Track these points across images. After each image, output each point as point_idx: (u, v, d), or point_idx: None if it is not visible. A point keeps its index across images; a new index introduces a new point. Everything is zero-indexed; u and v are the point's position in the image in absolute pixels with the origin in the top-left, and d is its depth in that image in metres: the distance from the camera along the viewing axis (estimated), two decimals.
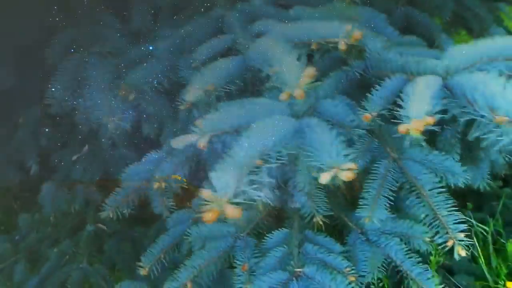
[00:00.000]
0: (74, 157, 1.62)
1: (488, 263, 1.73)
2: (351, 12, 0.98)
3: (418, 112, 0.55)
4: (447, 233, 0.82)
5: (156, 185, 1.08)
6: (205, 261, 1.06)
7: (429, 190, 0.86)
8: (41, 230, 1.59)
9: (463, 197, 2.17)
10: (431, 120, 0.54)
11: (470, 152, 1.31)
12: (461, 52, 0.69)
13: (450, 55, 0.69)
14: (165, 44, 0.99)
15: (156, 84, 0.95)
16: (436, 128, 0.57)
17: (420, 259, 0.97)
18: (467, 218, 1.85)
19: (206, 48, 0.92)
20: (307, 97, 0.81)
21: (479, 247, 1.78)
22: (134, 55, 0.99)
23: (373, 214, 0.88)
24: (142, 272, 1.21)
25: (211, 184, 0.58)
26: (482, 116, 0.56)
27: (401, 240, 1.00)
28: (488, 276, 1.65)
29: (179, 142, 0.70)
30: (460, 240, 0.81)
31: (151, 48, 0.99)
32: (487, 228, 1.79)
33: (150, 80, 0.93)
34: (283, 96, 0.66)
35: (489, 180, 2.27)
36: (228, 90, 0.82)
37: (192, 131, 0.72)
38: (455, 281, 1.63)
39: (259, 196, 0.59)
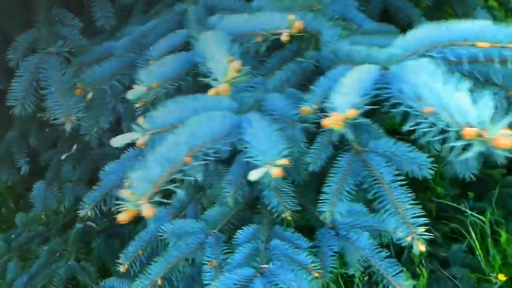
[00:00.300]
0: (63, 156, 1.64)
1: (486, 254, 1.68)
2: (313, 1, 0.95)
3: (341, 104, 0.53)
4: (407, 227, 0.79)
5: (126, 183, 1.08)
6: (176, 258, 1.06)
7: (390, 182, 0.83)
8: (33, 228, 1.61)
9: (465, 186, 2.12)
10: (353, 113, 0.52)
11: None
12: (406, 39, 0.66)
13: (396, 43, 0.66)
14: (125, 41, 0.98)
15: (115, 82, 0.94)
16: (363, 120, 0.55)
17: (388, 253, 0.95)
18: (462, 208, 1.81)
19: (162, 44, 0.91)
20: (255, 90, 0.80)
21: (477, 238, 1.73)
22: (95, 54, 0.98)
23: (334, 209, 0.86)
24: (121, 269, 1.22)
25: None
26: (412, 107, 0.53)
27: (371, 234, 0.97)
28: (484, 268, 1.61)
29: (118, 141, 0.69)
30: (420, 235, 0.78)
31: (111, 46, 0.98)
32: (483, 218, 1.74)
33: (108, 79, 0.92)
34: (211, 92, 0.64)
35: (489, 169, 2.20)
36: (178, 87, 0.81)
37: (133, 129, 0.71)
38: (447, 274, 1.60)
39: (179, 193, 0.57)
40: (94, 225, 1.58)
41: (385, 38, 0.91)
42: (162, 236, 1.14)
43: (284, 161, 0.60)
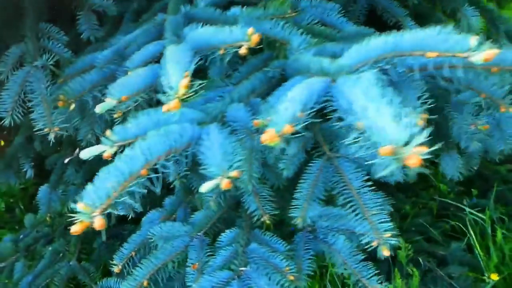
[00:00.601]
0: (66, 160, 1.71)
1: (487, 253, 1.66)
2: (285, 8, 0.96)
3: (278, 120, 0.55)
4: (374, 232, 0.80)
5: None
6: (162, 260, 1.09)
7: (358, 188, 0.84)
8: (39, 229, 1.68)
9: (469, 183, 2.09)
10: (289, 129, 0.54)
11: (444, 140, 1.27)
12: (357, 50, 0.67)
13: (347, 54, 0.67)
14: (106, 53, 1.02)
15: (97, 94, 0.98)
16: (305, 133, 0.56)
17: (364, 256, 0.96)
18: (462, 206, 1.79)
19: (138, 55, 0.94)
20: (220, 101, 0.82)
21: (478, 236, 1.71)
22: (78, 66, 1.02)
23: (306, 214, 0.88)
24: (115, 270, 1.27)
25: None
26: (349, 120, 0.55)
27: (348, 237, 0.98)
28: (484, 267, 1.59)
29: (87, 153, 0.72)
30: (386, 241, 0.79)
31: (94, 57, 1.02)
32: (483, 216, 1.72)
33: (89, 90, 0.96)
34: (163, 109, 0.67)
35: (495, 165, 2.15)
36: (151, 98, 0.84)
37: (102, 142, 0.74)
38: (445, 273, 1.59)
39: (135, 207, 0.61)
40: None
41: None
42: (151, 239, 1.18)
43: (235, 174, 0.63)
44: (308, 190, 0.88)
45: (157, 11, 1.23)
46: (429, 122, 1.25)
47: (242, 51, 0.72)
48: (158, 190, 0.66)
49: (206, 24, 0.99)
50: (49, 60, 0.98)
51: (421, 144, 0.44)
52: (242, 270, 0.96)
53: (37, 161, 1.81)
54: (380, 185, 1.99)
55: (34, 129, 0.94)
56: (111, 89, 0.79)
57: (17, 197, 2.26)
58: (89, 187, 0.61)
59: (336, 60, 0.67)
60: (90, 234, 1.62)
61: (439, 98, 1.13)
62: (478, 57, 0.61)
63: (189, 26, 0.93)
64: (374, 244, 0.79)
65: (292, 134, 0.55)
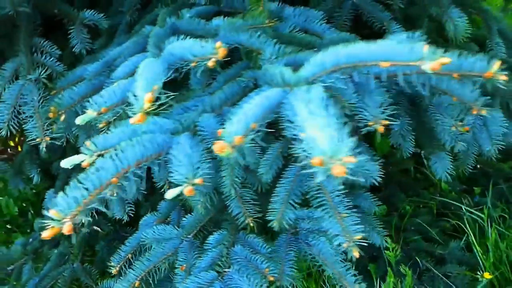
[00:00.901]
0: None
1: (486, 251, 1.66)
2: (263, 19, 0.99)
3: (231, 131, 0.58)
4: (345, 234, 0.83)
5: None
6: (153, 262, 1.14)
7: (331, 192, 0.87)
8: None
9: (472, 181, 2.08)
10: (239, 140, 0.57)
11: (430, 141, 1.28)
12: (315, 60, 0.70)
13: (306, 65, 0.70)
14: (95, 65, 1.07)
15: (86, 105, 1.03)
16: (263, 144, 0.59)
17: (342, 257, 0.98)
18: (459, 205, 1.79)
19: (123, 67, 0.98)
20: (193, 111, 0.86)
21: (478, 234, 1.71)
22: (70, 79, 1.08)
23: (282, 218, 0.91)
24: (113, 271, 1.32)
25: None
26: (296, 131, 0.58)
27: (328, 238, 1.01)
28: (482, 265, 1.59)
29: (67, 162, 0.77)
30: (356, 243, 0.82)
31: (84, 70, 1.08)
32: (482, 215, 1.72)
33: (78, 102, 1.01)
34: (130, 121, 0.71)
35: (499, 162, 2.13)
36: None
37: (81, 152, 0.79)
38: (442, 272, 1.59)
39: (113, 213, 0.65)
40: (99, 229, 1.70)
41: None
42: (144, 242, 1.23)
43: (199, 181, 0.66)
44: (284, 194, 0.91)
45: (148, 23, 1.28)
46: (413, 123, 1.27)
47: (211, 64, 0.75)
48: (130, 196, 0.70)
49: (189, 36, 1.04)
50: (41, 73, 1.03)
51: (349, 155, 0.46)
52: (225, 271, 1.00)
53: (47, 167, 1.88)
54: (378, 187, 2.00)
55: (28, 140, 1.00)
56: (91, 101, 0.83)
57: (29, 202, 2.34)
58: (61, 195, 0.65)
59: (294, 73, 0.70)
60: (93, 237, 1.68)
61: (421, 100, 1.15)
62: (428, 66, 0.63)
63: (170, 39, 0.97)
64: (345, 245, 0.82)
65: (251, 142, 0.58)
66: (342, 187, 0.87)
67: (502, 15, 1.63)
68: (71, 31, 1.13)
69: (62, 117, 1.01)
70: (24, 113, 1.05)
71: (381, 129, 0.72)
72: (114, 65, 1.09)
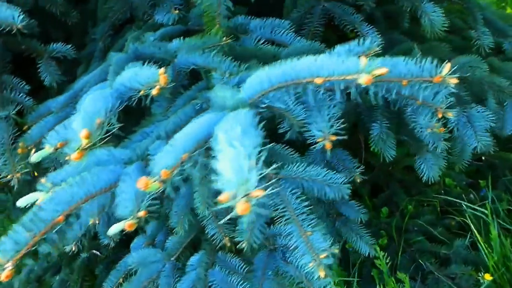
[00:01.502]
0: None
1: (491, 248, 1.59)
2: (219, 37, 0.98)
3: (157, 165, 0.57)
4: (310, 253, 0.80)
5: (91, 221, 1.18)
6: (136, 286, 1.14)
7: (295, 209, 0.84)
8: (50, 260, 1.78)
9: (478, 173, 2.01)
10: (167, 174, 0.56)
11: (416, 142, 1.24)
12: (251, 82, 0.68)
13: (245, 86, 0.69)
14: (62, 97, 1.08)
15: None
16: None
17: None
18: (457, 201, 1.73)
19: (84, 97, 0.98)
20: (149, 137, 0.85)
21: (482, 231, 1.65)
22: (39, 113, 1.09)
23: (251, 238, 0.89)
24: None
25: None
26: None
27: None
28: (490, 262, 1.53)
29: (23, 202, 0.77)
30: (323, 262, 0.79)
31: (51, 103, 1.08)
32: (486, 211, 1.65)
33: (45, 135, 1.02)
34: (70, 159, 0.70)
35: (505, 152, 2.05)
36: None
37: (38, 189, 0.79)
38: (448, 273, 1.54)
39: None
40: (98, 253, 1.71)
41: None
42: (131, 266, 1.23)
43: (142, 214, 0.65)
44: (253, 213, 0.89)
45: (119, 49, 1.28)
46: (393, 125, 1.23)
47: (154, 92, 0.74)
48: (79, 234, 0.70)
49: (150, 60, 1.03)
50: (11, 111, 1.05)
51: (258, 188, 0.45)
52: None
53: None
54: (376, 190, 1.94)
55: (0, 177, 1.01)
56: (48, 137, 0.83)
57: None
58: (3, 238, 0.65)
59: (234, 96, 0.68)
60: (92, 261, 1.70)
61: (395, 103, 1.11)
62: (362, 80, 0.61)
63: (129, 65, 0.97)
64: (311, 265, 0.79)
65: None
66: (307, 203, 0.85)
67: (487, 2, 1.57)
68: (39, 65, 1.14)
69: (33, 152, 1.02)
70: None
71: (328, 145, 0.69)
72: (80, 96, 1.09)
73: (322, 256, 0.79)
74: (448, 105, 0.84)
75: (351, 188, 1.27)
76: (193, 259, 1.10)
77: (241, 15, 1.20)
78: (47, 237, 0.68)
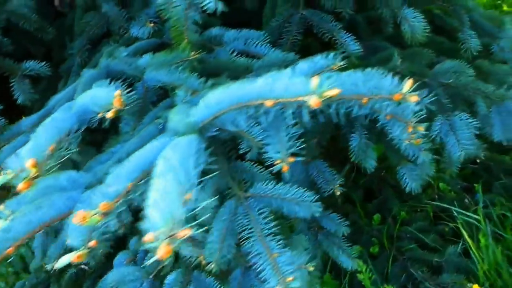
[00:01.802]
0: None
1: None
2: (187, 52, 0.96)
3: (98, 197, 0.55)
4: (277, 276, 0.78)
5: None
6: None
7: (262, 229, 0.82)
8: (39, 276, 1.77)
9: (473, 176, 1.97)
10: (106, 207, 0.54)
11: (394, 153, 1.21)
12: (204, 104, 0.66)
13: (196, 108, 0.66)
14: (33, 118, 1.06)
15: None
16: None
17: None
18: (450, 207, 1.69)
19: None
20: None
21: (476, 238, 1.62)
22: (10, 133, 1.07)
23: (219, 259, 0.87)
24: None
25: None
26: None
27: None
28: (480, 272, 1.50)
29: None
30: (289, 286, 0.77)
31: (23, 123, 1.07)
32: (478, 217, 1.62)
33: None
34: (18, 189, 0.69)
35: (499, 154, 2.01)
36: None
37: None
38: (439, 282, 1.51)
39: None
40: (86, 267, 1.70)
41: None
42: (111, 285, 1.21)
43: (92, 244, 0.64)
44: (221, 233, 0.87)
45: (95, 65, 1.26)
46: (373, 137, 1.20)
47: (109, 115, 0.73)
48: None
49: (120, 78, 1.02)
50: None
51: (185, 227, 0.42)
52: None
53: None
54: (371, 195, 1.90)
55: None
56: (8, 162, 0.82)
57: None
58: None
59: (185, 120, 0.66)
60: (79, 276, 1.69)
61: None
62: (312, 102, 0.58)
63: (98, 83, 0.95)
64: None
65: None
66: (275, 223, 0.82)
67: (474, 3, 1.53)
68: (13, 83, 1.13)
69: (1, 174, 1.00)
70: None
71: (285, 168, 0.67)
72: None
73: (288, 279, 0.77)
74: (421, 117, 0.81)
75: (344, 192, 1.26)
76: (170, 278, 1.08)
77: (216, 27, 1.19)
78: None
